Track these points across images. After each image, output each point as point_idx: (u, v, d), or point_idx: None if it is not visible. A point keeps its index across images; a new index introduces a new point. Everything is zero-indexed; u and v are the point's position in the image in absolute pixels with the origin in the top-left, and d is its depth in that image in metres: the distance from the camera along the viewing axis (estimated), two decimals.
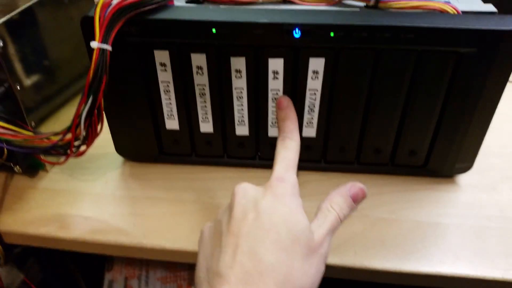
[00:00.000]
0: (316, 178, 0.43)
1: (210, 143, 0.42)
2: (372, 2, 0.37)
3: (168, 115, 0.40)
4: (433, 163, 0.41)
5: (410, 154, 0.40)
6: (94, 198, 0.41)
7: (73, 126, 0.33)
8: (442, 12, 0.35)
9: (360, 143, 0.40)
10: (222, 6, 0.35)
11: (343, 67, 0.35)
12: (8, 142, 0.35)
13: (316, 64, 0.35)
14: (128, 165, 0.45)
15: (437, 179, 0.42)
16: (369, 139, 0.40)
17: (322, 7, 0.38)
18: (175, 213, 0.40)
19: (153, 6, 0.34)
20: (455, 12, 0.35)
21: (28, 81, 0.40)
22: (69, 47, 0.45)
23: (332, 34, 0.33)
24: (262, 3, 0.39)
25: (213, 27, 0.34)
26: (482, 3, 0.38)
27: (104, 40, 0.32)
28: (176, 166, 0.44)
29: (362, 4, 0.38)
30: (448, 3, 0.36)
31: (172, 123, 0.40)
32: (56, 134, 0.34)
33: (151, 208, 0.40)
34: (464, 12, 0.36)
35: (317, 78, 0.36)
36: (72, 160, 0.36)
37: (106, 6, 0.33)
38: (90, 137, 0.34)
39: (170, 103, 0.39)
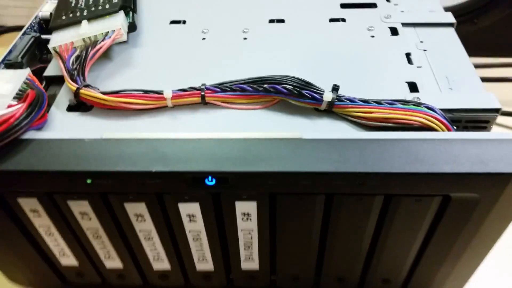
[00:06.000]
0: None
1: (122, 276, 0.32)
2: (323, 106, 0.26)
3: (59, 254, 0.30)
4: None
5: (383, 283, 0.31)
6: None
7: None
8: (425, 130, 0.24)
9: (318, 273, 0.31)
10: (105, 135, 0.24)
11: (283, 213, 0.25)
12: None
13: (246, 207, 0.25)
14: None
15: None
16: (329, 269, 0.30)
17: (256, 111, 0.27)
18: None
19: None
20: (444, 129, 0.24)
21: None
22: None
23: (261, 183, 0.23)
24: (174, 108, 0.27)
25: (87, 178, 0.23)
26: (484, 92, 0.27)
27: None
28: None
29: (310, 107, 0.27)
30: (433, 111, 0.25)
31: (68, 260, 0.30)
32: None
33: None
34: (457, 111, 0.26)
35: (250, 219, 0.26)
36: None
37: None
38: None
39: (59, 244, 0.29)
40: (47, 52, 0.33)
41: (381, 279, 0.31)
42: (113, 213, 0.26)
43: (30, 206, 0.26)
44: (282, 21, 0.35)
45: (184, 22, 0.35)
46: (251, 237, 0.27)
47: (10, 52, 0.32)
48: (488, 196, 0.23)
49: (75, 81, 0.28)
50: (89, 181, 0.23)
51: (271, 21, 0.35)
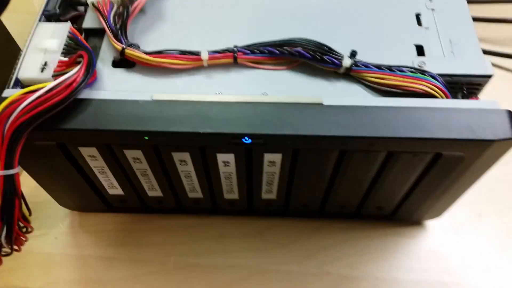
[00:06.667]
0: (278, 223, 0.40)
1: (161, 201, 0.38)
2: (342, 70, 0.30)
3: (108, 186, 0.35)
4: (400, 215, 0.38)
5: (377, 209, 0.38)
6: (45, 260, 0.39)
7: None
8: (427, 96, 0.29)
9: (324, 203, 0.37)
10: (155, 97, 0.28)
11: (303, 163, 0.30)
12: None
13: (272, 157, 0.30)
14: (76, 214, 0.41)
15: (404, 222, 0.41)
16: (333, 199, 0.36)
17: (281, 71, 0.31)
18: (130, 278, 0.38)
19: (59, 108, 0.27)
20: (443, 96, 0.29)
21: None
22: None
23: (289, 142, 0.28)
24: (208, 67, 0.31)
25: (145, 135, 0.27)
26: (481, 58, 0.31)
27: (7, 166, 0.26)
28: (129, 214, 0.41)
29: (330, 70, 0.30)
30: (435, 80, 0.29)
31: (115, 191, 0.36)
32: None
33: (106, 272, 0.38)
34: (455, 76, 0.30)
35: (274, 165, 0.31)
36: None
37: (1, 122, 0.26)
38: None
39: (109, 179, 0.34)
40: None
41: (376, 207, 0.37)
42: (161, 159, 0.31)
43: (88, 153, 0.30)
44: None
45: None
46: (273, 177, 0.33)
47: (47, 3, 0.34)
48: (471, 155, 0.28)
49: (119, 40, 0.31)
50: (146, 138, 0.27)
51: None
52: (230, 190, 0.35)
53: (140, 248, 0.39)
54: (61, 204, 0.40)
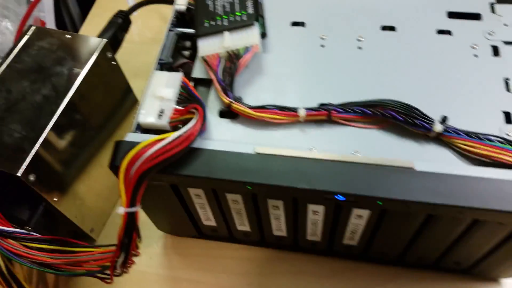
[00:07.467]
0: (355, 266, 0.42)
1: (247, 235, 0.41)
2: (432, 135, 0.32)
3: (204, 218, 0.39)
4: (478, 271, 0.39)
5: (455, 263, 0.39)
6: (140, 278, 0.44)
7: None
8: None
9: (403, 254, 0.39)
10: (257, 150, 0.31)
11: (389, 221, 0.32)
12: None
13: (360, 212, 0.32)
14: (170, 236, 0.46)
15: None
16: (413, 253, 0.38)
17: (372, 130, 0.33)
18: None
19: (178, 157, 0.31)
20: None
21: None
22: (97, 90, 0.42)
23: (380, 203, 0.30)
24: (304, 122, 0.34)
25: (248, 185, 0.31)
26: None
27: (131, 204, 0.31)
28: (217, 242, 0.45)
29: (420, 133, 0.32)
30: None
31: (209, 222, 0.40)
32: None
33: None
34: None
35: (361, 219, 0.33)
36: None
37: (130, 167, 0.30)
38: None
39: (206, 213, 0.38)
40: (182, 40, 0.40)
41: (454, 261, 0.38)
42: (256, 203, 0.34)
43: (195, 192, 0.34)
44: (393, 28, 0.38)
45: (303, 24, 0.39)
46: (358, 228, 0.35)
47: (162, 52, 0.39)
48: None
49: (226, 94, 0.34)
50: (249, 187, 0.31)
51: (384, 28, 0.38)
52: (314, 234, 0.38)
53: (225, 274, 0.43)
54: (158, 228, 0.44)
